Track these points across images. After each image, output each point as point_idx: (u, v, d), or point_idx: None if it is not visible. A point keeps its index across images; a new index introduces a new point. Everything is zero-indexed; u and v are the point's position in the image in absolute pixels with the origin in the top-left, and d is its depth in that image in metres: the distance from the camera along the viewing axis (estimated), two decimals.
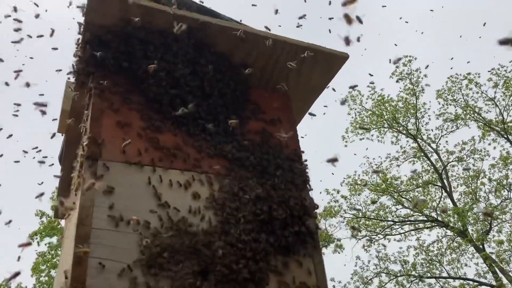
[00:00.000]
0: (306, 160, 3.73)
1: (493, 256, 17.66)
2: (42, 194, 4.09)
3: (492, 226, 19.07)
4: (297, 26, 4.30)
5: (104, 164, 3.10)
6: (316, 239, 3.37)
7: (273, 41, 3.74)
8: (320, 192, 19.56)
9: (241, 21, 4.11)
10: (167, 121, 3.42)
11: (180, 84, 3.47)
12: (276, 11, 3.60)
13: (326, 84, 4.16)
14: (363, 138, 21.20)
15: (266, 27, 4.03)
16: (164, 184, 3.17)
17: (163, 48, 3.49)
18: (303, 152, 3.86)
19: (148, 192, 3.11)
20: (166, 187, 3.17)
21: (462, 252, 19.42)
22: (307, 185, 3.60)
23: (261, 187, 3.37)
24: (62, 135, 4.59)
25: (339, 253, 19.42)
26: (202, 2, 4.04)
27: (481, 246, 18.01)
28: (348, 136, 21.02)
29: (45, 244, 16.82)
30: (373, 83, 20.75)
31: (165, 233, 2.97)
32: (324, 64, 3.95)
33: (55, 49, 4.76)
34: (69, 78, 4.00)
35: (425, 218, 19.94)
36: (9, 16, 4.50)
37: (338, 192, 20.04)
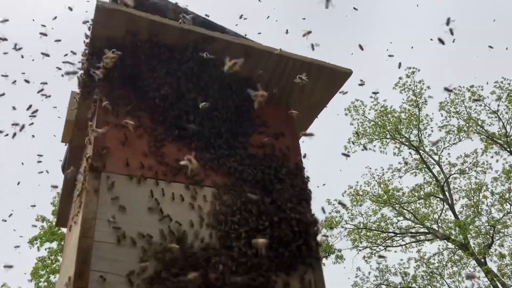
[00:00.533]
0: (308, 178, 3.74)
1: (495, 270, 17.55)
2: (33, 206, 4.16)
3: (494, 239, 18.98)
4: (312, 47, 4.33)
5: (108, 177, 3.11)
6: (317, 256, 3.37)
7: (278, 56, 3.77)
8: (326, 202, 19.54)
9: (246, 35, 4.15)
10: (170, 135, 3.44)
11: (185, 98, 3.49)
12: (287, 31, 3.64)
13: (329, 99, 4.18)
14: (365, 149, 21.18)
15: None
16: (167, 198, 3.19)
17: (168, 62, 3.51)
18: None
19: (150, 205, 3.12)
20: (168, 201, 3.19)
21: (464, 265, 19.32)
22: (309, 201, 3.60)
23: (263, 202, 3.38)
24: (66, 144, 4.62)
25: (339, 263, 19.36)
26: (208, 16, 4.07)
27: (482, 260, 17.91)
28: (350, 146, 21.03)
29: (45, 249, 16.80)
30: (376, 93, 20.77)
31: (166, 247, 2.98)
32: (327, 79, 3.97)
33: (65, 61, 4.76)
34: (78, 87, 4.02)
35: (426, 230, 19.87)
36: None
37: (339, 202, 20.01)
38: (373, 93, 19.65)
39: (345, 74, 3.97)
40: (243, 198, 3.37)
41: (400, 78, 20.48)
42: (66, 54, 3.90)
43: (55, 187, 4.18)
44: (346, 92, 4.73)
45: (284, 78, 3.96)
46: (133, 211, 3.05)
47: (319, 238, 3.54)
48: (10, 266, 3.24)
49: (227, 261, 3.04)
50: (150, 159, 3.30)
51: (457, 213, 19.88)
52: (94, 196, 3.03)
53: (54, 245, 16.80)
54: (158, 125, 3.45)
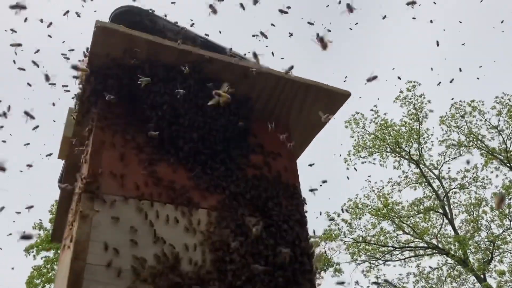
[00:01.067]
0: (304, 199, 3.72)
1: (494, 287, 17.42)
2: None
3: (494, 255, 18.86)
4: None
5: (102, 198, 3.09)
6: (313, 280, 3.33)
7: (276, 78, 3.76)
8: (320, 213, 19.44)
9: (245, 54, 4.15)
10: (167, 155, 3.42)
11: (182, 118, 3.48)
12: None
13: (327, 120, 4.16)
14: (365, 162, 21.15)
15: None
16: (161, 220, 3.16)
17: (166, 82, 3.51)
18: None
19: (144, 227, 3.09)
20: (163, 223, 3.16)
21: (463, 281, 19.17)
22: (305, 224, 3.58)
23: (259, 224, 3.35)
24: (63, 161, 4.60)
25: (338, 276, 19.22)
26: (208, 36, 4.08)
27: (482, 276, 17.78)
28: (350, 159, 20.99)
29: (41, 258, 16.70)
30: (376, 106, 20.82)
31: (160, 270, 2.95)
32: (326, 101, 3.97)
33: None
34: (74, 105, 4.01)
35: (426, 245, 19.76)
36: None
37: (338, 215, 19.93)
38: (374, 106, 19.65)
39: (343, 96, 3.97)
40: (239, 221, 3.34)
41: (401, 91, 20.52)
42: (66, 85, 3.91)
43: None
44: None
45: (282, 99, 3.95)
46: (127, 233, 3.03)
47: (314, 261, 3.51)
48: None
49: (221, 285, 3.01)
50: (146, 180, 3.28)
51: (457, 228, 19.78)
52: (88, 217, 3.00)
53: (50, 253, 16.70)
54: (154, 146, 3.43)
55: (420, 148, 20.59)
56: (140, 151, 3.38)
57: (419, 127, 20.55)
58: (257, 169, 3.73)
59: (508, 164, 19.49)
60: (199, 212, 3.30)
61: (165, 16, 4.04)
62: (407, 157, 20.75)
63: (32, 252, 16.65)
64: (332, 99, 3.98)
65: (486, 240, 19.14)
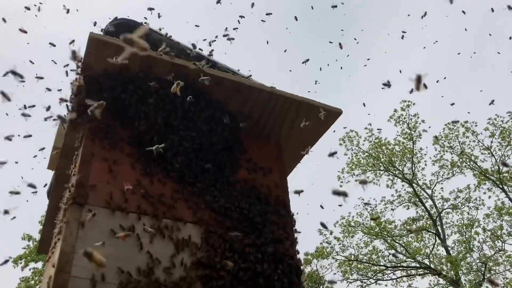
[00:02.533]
0: (294, 214, 3.70)
1: None
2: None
3: (486, 277, 18.78)
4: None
5: (90, 210, 3.06)
6: None
7: (269, 94, 3.78)
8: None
9: (239, 70, 4.17)
10: (156, 169, 3.41)
11: (173, 131, 3.48)
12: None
13: (319, 137, 4.18)
14: (358, 180, 21.13)
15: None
16: (148, 233, 3.13)
17: (158, 95, 3.51)
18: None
19: (131, 240, 3.06)
20: (149, 236, 3.13)
21: None
22: (294, 240, 3.56)
23: (247, 240, 3.33)
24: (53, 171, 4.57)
25: None
26: (202, 50, 4.10)
27: None
28: (343, 177, 21.00)
29: (29, 269, 16.45)
30: (370, 124, 20.92)
31: (145, 284, 2.91)
32: (317, 118, 3.98)
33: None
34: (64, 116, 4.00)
35: (418, 265, 19.67)
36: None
37: (331, 233, 19.85)
38: (368, 124, 19.77)
39: (335, 113, 3.99)
40: (227, 237, 3.32)
41: (395, 110, 20.65)
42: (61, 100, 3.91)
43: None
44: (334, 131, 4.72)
45: (275, 115, 3.96)
46: (113, 246, 2.99)
47: (302, 278, 3.48)
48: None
49: None
50: (134, 193, 3.25)
51: (449, 248, 19.74)
52: (74, 229, 2.97)
53: (39, 265, 16.46)
54: (144, 159, 3.42)
55: (414, 167, 20.65)
56: (129, 164, 3.36)
57: (413, 146, 20.65)
58: (247, 184, 3.72)
59: (500, 186, 19.57)
60: (186, 226, 3.27)
61: (160, 29, 4.07)
62: (400, 176, 20.79)
63: (20, 263, 16.39)
64: (324, 116, 3.99)
65: (478, 261, 19.09)
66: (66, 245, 2.90)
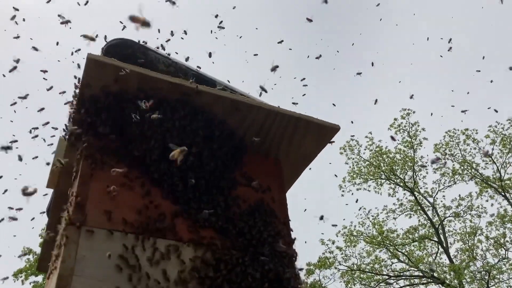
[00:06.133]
0: (295, 239, 3.70)
1: None
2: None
3: (490, 285, 18.68)
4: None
5: (88, 231, 3.06)
6: None
7: (266, 111, 3.79)
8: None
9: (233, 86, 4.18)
10: (155, 189, 3.41)
11: (171, 151, 3.48)
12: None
13: (317, 153, 4.18)
14: (360, 188, 21.14)
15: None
16: (147, 254, 3.12)
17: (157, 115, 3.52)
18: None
19: (130, 261, 3.05)
20: (149, 257, 3.12)
21: None
22: (295, 259, 3.54)
23: (247, 260, 3.32)
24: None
25: None
26: (200, 68, 4.12)
27: None
28: (345, 186, 20.97)
29: (30, 283, 16.38)
30: (371, 133, 20.93)
31: None
32: (315, 134, 3.99)
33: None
34: (63, 136, 4.01)
35: (421, 274, 19.56)
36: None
37: (333, 242, 19.77)
38: (369, 133, 19.74)
39: (332, 129, 3.99)
40: (227, 256, 3.31)
41: (395, 119, 20.68)
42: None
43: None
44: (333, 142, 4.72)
45: (273, 132, 3.97)
46: (112, 268, 2.98)
47: None
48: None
49: None
50: (133, 213, 3.25)
51: (452, 257, 19.64)
52: (72, 251, 2.96)
53: (39, 278, 16.40)
54: (142, 178, 3.42)
55: (415, 176, 20.63)
56: (128, 184, 3.36)
57: (414, 154, 20.65)
58: (246, 202, 3.71)
59: (502, 193, 19.52)
60: (186, 246, 3.26)
61: (157, 48, 4.09)
62: (401, 184, 20.76)
63: (21, 277, 16.34)
64: (321, 132, 4.00)
65: (481, 269, 18.99)
66: (64, 267, 2.89)
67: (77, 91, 3.58)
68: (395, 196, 20.99)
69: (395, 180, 20.86)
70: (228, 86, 4.01)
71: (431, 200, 20.69)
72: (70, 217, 3.08)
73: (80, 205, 3.14)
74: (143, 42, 3.99)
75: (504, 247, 18.86)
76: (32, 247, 16.95)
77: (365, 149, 21.02)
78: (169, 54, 4.14)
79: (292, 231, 3.80)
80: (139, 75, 3.48)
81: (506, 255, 18.93)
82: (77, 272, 2.89)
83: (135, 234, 3.17)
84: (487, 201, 19.99)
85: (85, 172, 3.32)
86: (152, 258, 3.11)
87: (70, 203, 3.29)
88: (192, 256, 3.23)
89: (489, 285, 18.65)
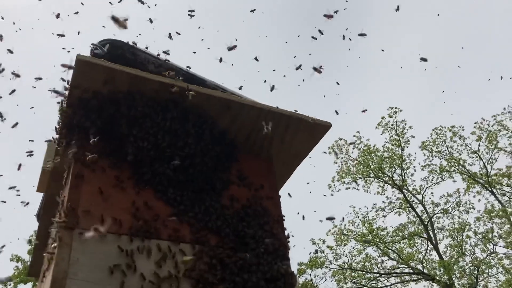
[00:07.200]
0: (290, 235, 3.71)
1: None
2: None
3: (479, 280, 18.91)
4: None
5: (81, 233, 3.02)
6: None
7: (258, 110, 3.79)
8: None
9: (223, 84, 4.18)
10: (148, 190, 3.38)
11: (163, 151, 3.46)
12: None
13: (309, 150, 4.20)
14: (349, 187, 21.25)
15: None
16: (142, 255, 3.10)
17: (148, 115, 3.50)
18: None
19: (124, 263, 3.02)
20: (143, 258, 3.09)
21: None
22: (288, 258, 3.55)
23: (241, 259, 3.31)
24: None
25: None
26: (190, 68, 4.11)
27: None
28: (334, 185, 21.06)
29: None
30: (359, 132, 21.07)
31: None
32: (306, 132, 4.00)
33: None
34: (53, 138, 3.96)
35: (411, 271, 19.73)
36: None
37: (324, 242, 19.84)
38: (357, 132, 19.85)
39: (324, 127, 4.01)
40: (220, 255, 3.30)
41: (382, 117, 20.83)
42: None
43: None
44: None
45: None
46: (106, 270, 2.95)
47: None
48: None
49: None
50: (126, 214, 3.22)
51: (441, 253, 19.84)
52: (65, 254, 2.93)
53: (28, 286, 16.18)
54: (135, 180, 3.39)
55: (403, 174, 20.81)
56: (120, 185, 3.34)
57: (401, 152, 20.82)
58: (239, 201, 3.71)
59: (489, 189, 19.79)
60: (180, 246, 3.24)
61: (147, 48, 4.07)
62: (390, 182, 20.92)
63: (10, 284, 16.08)
64: (313, 130, 4.01)
65: (470, 264, 19.22)
66: (58, 271, 2.85)
67: (66, 91, 3.54)
68: (384, 194, 21.15)
69: (384, 179, 21.02)
70: (219, 86, 4.01)
71: (419, 197, 20.90)
72: (62, 220, 3.05)
73: (72, 208, 3.11)
74: (133, 43, 3.96)
75: (492, 242, 19.12)
76: (20, 254, 16.72)
77: (353, 148, 21.15)
78: (158, 55, 4.13)
79: (286, 229, 3.81)
80: (129, 76, 3.45)
81: (494, 250, 19.19)
82: (71, 275, 2.86)
83: (129, 235, 3.14)
84: (474, 196, 20.26)
85: (76, 174, 3.28)
86: (147, 259, 3.09)
87: (62, 206, 3.25)
88: (187, 255, 3.21)
89: (478, 280, 18.88)
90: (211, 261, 3.26)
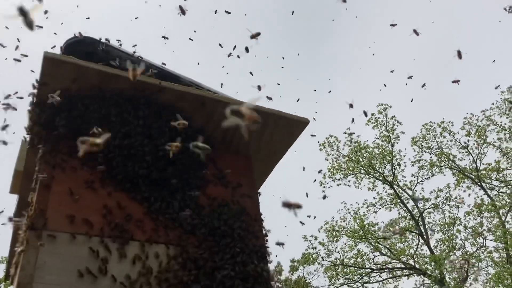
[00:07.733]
0: (268, 232, 3.63)
1: None
2: None
3: (469, 274, 19.00)
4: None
5: (49, 235, 2.94)
6: None
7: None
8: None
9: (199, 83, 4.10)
10: (120, 190, 3.30)
11: (136, 150, 3.38)
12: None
13: (288, 147, 4.13)
14: (340, 184, 21.22)
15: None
16: (113, 256, 3.03)
17: (119, 113, 3.41)
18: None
19: (94, 264, 2.95)
20: (114, 260, 3.02)
21: None
22: (267, 256, 3.48)
23: (217, 258, 3.24)
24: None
25: None
26: (165, 64, 4.02)
27: None
28: (325, 182, 21.01)
29: None
30: (349, 129, 21.05)
31: None
32: (285, 128, 3.94)
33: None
34: (24, 138, 3.86)
35: (403, 266, 19.77)
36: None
37: (315, 238, 19.80)
38: (347, 129, 19.83)
39: (302, 123, 3.94)
40: (195, 255, 3.23)
41: (372, 114, 20.80)
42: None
43: None
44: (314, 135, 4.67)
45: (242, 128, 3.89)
46: (75, 272, 2.87)
47: None
48: None
49: None
50: (97, 215, 3.14)
51: (432, 247, 19.89)
52: (32, 257, 2.85)
53: None
54: (106, 179, 3.31)
55: (394, 169, 20.80)
56: (91, 186, 3.25)
57: (392, 148, 20.82)
58: (216, 199, 3.63)
59: (479, 183, 19.87)
60: (153, 247, 3.17)
61: (120, 45, 3.97)
62: (381, 178, 20.91)
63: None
64: (291, 126, 3.95)
65: (461, 259, 19.30)
66: (24, 275, 2.77)
67: (35, 90, 3.44)
68: (375, 190, 21.12)
69: (375, 174, 20.99)
70: (194, 82, 3.92)
71: (410, 192, 20.91)
72: (29, 221, 2.96)
73: (41, 209, 3.02)
74: (106, 39, 3.86)
75: (482, 236, 19.19)
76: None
77: (344, 145, 21.09)
78: (134, 52, 4.03)
79: (264, 227, 3.74)
80: (99, 73, 3.37)
81: (484, 244, 19.26)
82: (36, 279, 2.77)
83: (100, 237, 3.06)
84: (464, 191, 20.28)
85: (45, 175, 3.19)
86: (119, 261, 3.01)
87: (31, 207, 3.16)
88: (160, 255, 3.14)
89: (469, 274, 18.97)
90: (186, 261, 3.19)
